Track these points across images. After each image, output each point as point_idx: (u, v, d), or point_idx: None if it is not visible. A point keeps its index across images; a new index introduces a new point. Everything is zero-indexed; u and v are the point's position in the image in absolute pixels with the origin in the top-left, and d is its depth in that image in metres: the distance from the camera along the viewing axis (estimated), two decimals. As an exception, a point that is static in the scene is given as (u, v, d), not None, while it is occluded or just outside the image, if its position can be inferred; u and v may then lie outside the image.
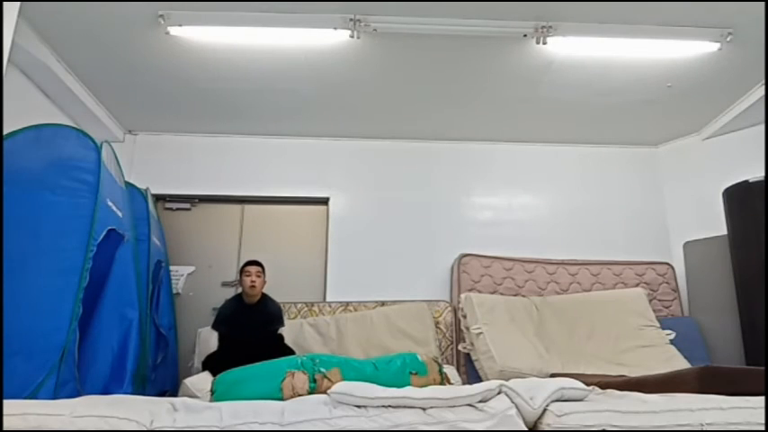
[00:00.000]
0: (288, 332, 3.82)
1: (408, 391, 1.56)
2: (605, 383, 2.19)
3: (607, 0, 3.10)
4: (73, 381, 2.41)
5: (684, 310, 4.51)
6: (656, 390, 1.92)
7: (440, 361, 3.32)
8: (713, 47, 3.47)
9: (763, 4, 3.10)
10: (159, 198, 4.74)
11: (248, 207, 4.96)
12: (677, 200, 4.99)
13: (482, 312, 3.94)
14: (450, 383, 2.36)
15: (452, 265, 4.66)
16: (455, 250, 4.65)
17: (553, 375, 3.38)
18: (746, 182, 3.92)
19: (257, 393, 1.80)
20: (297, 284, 4.68)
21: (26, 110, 3.46)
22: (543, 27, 3.31)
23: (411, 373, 2.13)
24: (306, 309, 4.32)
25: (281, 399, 1.78)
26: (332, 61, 3.73)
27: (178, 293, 4.62)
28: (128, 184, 3.62)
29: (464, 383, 3.60)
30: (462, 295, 4.15)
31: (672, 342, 3.97)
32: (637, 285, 4.51)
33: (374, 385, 1.60)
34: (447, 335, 4.25)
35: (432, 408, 1.51)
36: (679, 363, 3.69)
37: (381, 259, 4.76)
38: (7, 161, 2.48)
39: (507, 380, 1.68)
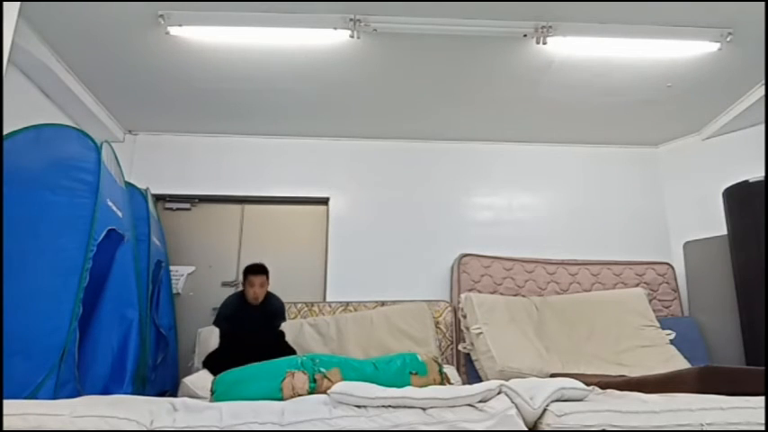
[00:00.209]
0: (288, 332, 3.82)
1: (408, 391, 1.56)
2: (605, 383, 2.19)
3: (607, 0, 3.10)
4: (73, 381, 2.41)
5: (684, 310, 4.51)
6: (656, 390, 1.92)
7: (440, 361, 3.32)
8: (713, 47, 3.47)
9: (762, 4, 3.10)
10: (159, 198, 4.74)
11: (248, 207, 4.96)
12: (677, 200, 4.99)
13: (482, 312, 3.94)
14: (450, 383, 2.35)
15: (452, 265, 4.66)
16: (455, 250, 4.65)
17: (553, 375, 3.38)
18: (746, 182, 3.92)
19: (257, 393, 1.80)
20: (297, 284, 4.68)
21: (26, 110, 3.47)
22: (543, 27, 3.31)
23: (411, 373, 2.12)
24: (306, 309, 4.32)
25: (281, 399, 1.78)
26: (332, 61, 3.73)
27: (178, 293, 4.62)
28: (128, 184, 3.62)
29: (464, 383, 3.60)
30: (462, 295, 4.15)
31: (672, 342, 3.98)
32: (637, 285, 4.51)
33: (374, 385, 1.60)
34: (447, 335, 4.25)
35: (432, 408, 1.51)
36: (679, 363, 3.70)
37: (381, 259, 4.76)
38: (7, 161, 2.48)
39: (507, 380, 1.68)
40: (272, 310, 3.65)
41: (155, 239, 3.94)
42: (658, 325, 4.11)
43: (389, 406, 1.50)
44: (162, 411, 1.48)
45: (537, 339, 3.99)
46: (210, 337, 3.96)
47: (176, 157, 4.92)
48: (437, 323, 4.26)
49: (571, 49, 3.56)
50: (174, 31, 3.32)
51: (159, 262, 4.04)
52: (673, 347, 3.93)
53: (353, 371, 2.01)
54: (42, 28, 3.34)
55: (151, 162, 4.85)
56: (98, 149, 2.86)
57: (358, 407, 1.50)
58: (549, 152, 5.16)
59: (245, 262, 4.81)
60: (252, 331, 3.49)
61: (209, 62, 3.75)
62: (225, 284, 4.72)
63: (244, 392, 1.82)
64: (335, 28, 3.30)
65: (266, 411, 1.46)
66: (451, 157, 5.09)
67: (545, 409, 1.53)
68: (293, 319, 4.20)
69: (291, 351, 3.52)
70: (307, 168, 5.00)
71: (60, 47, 3.55)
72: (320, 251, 4.84)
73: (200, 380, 3.13)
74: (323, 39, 3.44)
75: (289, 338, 3.78)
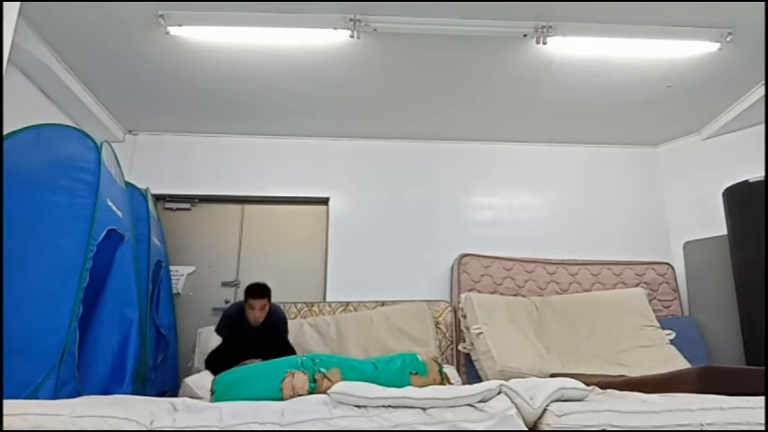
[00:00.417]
0: (288, 332, 3.82)
1: (408, 391, 1.56)
2: (605, 383, 2.19)
3: (607, 0, 3.10)
4: (73, 381, 2.41)
5: (684, 310, 4.51)
6: (656, 390, 1.93)
7: (440, 361, 3.32)
8: (713, 47, 3.47)
9: (762, 4, 3.10)
10: (159, 198, 4.74)
11: (248, 207, 4.96)
12: (677, 200, 4.99)
13: (482, 312, 3.94)
14: (450, 383, 2.35)
15: (452, 265, 4.66)
16: (455, 250, 4.65)
17: (553, 375, 3.38)
18: (746, 182, 3.92)
19: (257, 393, 1.80)
20: (297, 284, 4.68)
21: (26, 110, 3.47)
22: (543, 27, 3.31)
23: (411, 373, 2.13)
24: (306, 309, 4.32)
25: (281, 399, 1.78)
26: (332, 61, 3.73)
27: (178, 293, 4.62)
28: (128, 184, 3.62)
29: (464, 383, 3.60)
30: (462, 295, 4.15)
31: (672, 342, 3.98)
32: (637, 285, 4.51)
33: (374, 385, 1.60)
34: (447, 335, 4.25)
35: (432, 408, 1.51)
36: (679, 363, 3.70)
37: (381, 259, 4.76)
38: (7, 161, 2.48)
39: (507, 380, 1.68)
40: (274, 323, 3.56)
41: (155, 239, 3.94)
42: (658, 325, 4.11)
43: (389, 406, 1.50)
44: (162, 411, 1.48)
45: (537, 339, 3.99)
46: (210, 337, 3.96)
47: (176, 157, 4.92)
48: (437, 323, 4.26)
49: (571, 49, 3.56)
50: (174, 31, 3.32)
51: (159, 262, 4.04)
52: (673, 347, 3.93)
53: (353, 371, 2.02)
54: (42, 28, 3.34)
55: (151, 162, 4.85)
56: (98, 149, 2.86)
57: (358, 407, 1.50)
58: (549, 152, 5.16)
59: (246, 262, 4.84)
60: (255, 340, 3.47)
61: (209, 62, 3.75)
62: (225, 284, 4.72)
63: (244, 392, 1.82)
64: (335, 28, 3.30)
65: (266, 411, 1.46)
66: (451, 157, 5.09)
67: (545, 409, 1.53)
68: (293, 319, 4.19)
69: (292, 352, 3.52)
70: (307, 168, 5.00)
71: (60, 47, 3.55)
72: (320, 251, 4.84)
73: (202, 380, 3.13)
74: (323, 39, 3.44)
75: (289, 338, 3.78)
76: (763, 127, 4.26)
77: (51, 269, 2.46)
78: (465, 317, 4.03)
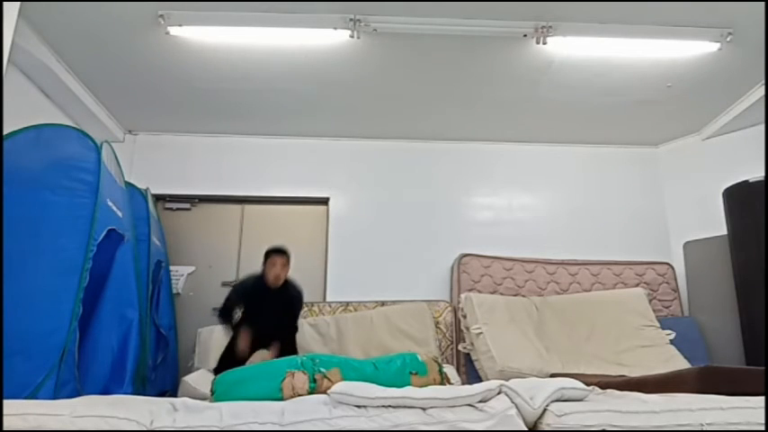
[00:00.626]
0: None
1: (408, 391, 1.56)
2: (605, 383, 2.19)
3: (607, 0, 3.10)
4: (73, 381, 2.41)
5: (684, 310, 4.51)
6: (656, 390, 1.93)
7: (440, 361, 3.32)
8: (713, 47, 3.47)
9: (762, 4, 3.10)
10: (159, 198, 4.74)
11: (248, 207, 4.96)
12: (677, 200, 4.99)
13: (482, 312, 3.94)
14: (450, 383, 2.35)
15: (452, 265, 4.66)
16: (455, 250, 4.65)
17: (553, 375, 3.38)
18: (746, 182, 3.92)
19: (257, 393, 1.80)
20: (297, 284, 4.67)
21: (26, 110, 3.46)
22: (543, 27, 3.31)
23: (411, 373, 2.12)
24: (306, 309, 4.32)
25: (281, 399, 1.78)
26: (332, 61, 3.73)
27: (178, 293, 4.62)
28: (128, 184, 3.62)
29: (464, 383, 3.60)
30: (462, 295, 4.15)
31: (672, 342, 3.97)
32: (637, 285, 4.51)
33: (374, 385, 1.60)
34: (447, 335, 4.25)
35: (432, 408, 1.51)
36: (679, 363, 3.69)
37: (381, 259, 4.76)
38: (7, 161, 2.48)
39: (507, 380, 1.68)
40: (292, 296, 3.55)
41: (155, 239, 3.94)
42: (658, 325, 4.11)
43: (389, 406, 1.50)
44: (162, 411, 1.48)
45: (537, 339, 3.99)
46: (211, 337, 3.96)
47: (176, 157, 4.92)
48: (437, 323, 4.26)
49: (571, 49, 3.56)
50: (174, 31, 3.32)
51: (159, 262, 4.04)
52: (673, 347, 3.93)
53: (353, 371, 2.01)
54: (42, 28, 3.34)
55: (151, 162, 4.85)
56: (98, 149, 2.86)
57: (358, 407, 1.50)
58: (549, 152, 5.16)
59: (245, 262, 4.83)
60: (269, 314, 3.41)
61: (210, 62, 3.75)
62: (225, 284, 4.72)
63: (244, 392, 1.82)
64: (335, 28, 3.30)
65: (266, 411, 1.46)
66: (451, 157, 5.09)
67: (545, 409, 1.53)
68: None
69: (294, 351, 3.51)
70: (307, 168, 5.00)
71: (60, 47, 3.55)
72: (320, 251, 4.84)
73: (201, 378, 3.14)
74: (323, 39, 3.44)
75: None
76: (763, 127, 4.26)
77: (51, 269, 2.46)
78: (465, 317, 4.03)
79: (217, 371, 3.38)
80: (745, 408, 1.52)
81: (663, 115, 4.57)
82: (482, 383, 1.64)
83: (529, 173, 5.12)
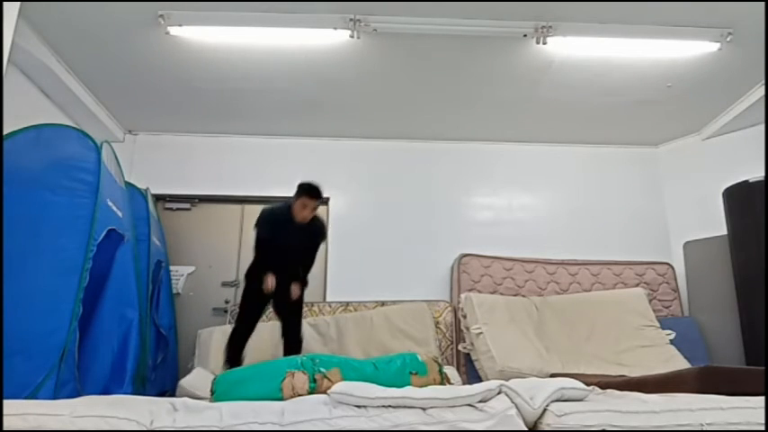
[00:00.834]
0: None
1: (408, 391, 1.56)
2: (605, 383, 2.19)
3: (607, 0, 3.10)
4: (73, 381, 2.41)
5: (684, 310, 4.51)
6: (656, 390, 1.93)
7: (440, 361, 3.32)
8: (713, 47, 3.47)
9: (762, 4, 3.10)
10: (159, 198, 4.73)
11: (248, 207, 4.95)
12: (677, 200, 4.99)
13: (482, 312, 3.94)
14: (450, 383, 2.35)
15: (452, 265, 4.66)
16: (455, 250, 4.65)
17: (553, 375, 3.38)
18: (746, 182, 3.92)
19: (257, 393, 1.80)
20: (297, 284, 4.67)
21: (26, 110, 3.46)
22: (543, 27, 3.31)
23: (411, 373, 2.13)
24: (306, 309, 4.31)
25: (281, 399, 1.78)
26: (332, 61, 3.73)
27: (178, 293, 4.61)
28: (128, 184, 3.62)
29: (464, 383, 3.59)
30: (462, 295, 4.15)
31: (672, 342, 3.98)
32: (637, 285, 4.51)
33: (374, 385, 1.60)
34: (447, 335, 4.25)
35: (432, 408, 1.51)
36: (679, 363, 3.70)
37: (381, 259, 4.76)
38: (7, 161, 2.48)
39: (507, 380, 1.68)
40: (315, 229, 3.62)
41: (155, 239, 3.94)
42: (658, 325, 4.11)
43: (389, 406, 1.50)
44: (162, 411, 1.48)
45: (537, 339, 3.99)
46: (210, 339, 3.95)
47: (176, 157, 4.92)
48: (437, 323, 4.25)
49: (571, 49, 3.56)
50: (174, 31, 3.32)
51: (159, 262, 4.04)
52: (673, 347, 3.93)
53: (353, 371, 2.02)
54: (42, 28, 3.34)
55: (151, 162, 4.85)
56: (98, 149, 2.86)
57: (358, 407, 1.50)
58: (549, 152, 5.16)
59: (246, 262, 4.80)
60: (293, 242, 3.49)
61: (210, 62, 3.75)
62: (225, 284, 4.72)
63: (244, 392, 1.82)
64: (335, 28, 3.30)
65: (266, 411, 1.46)
66: (452, 157, 5.09)
67: (545, 409, 1.53)
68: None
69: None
70: (307, 168, 4.99)
71: (60, 47, 3.55)
72: (320, 251, 4.82)
73: (198, 380, 3.14)
74: (323, 39, 3.44)
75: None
76: (763, 127, 4.26)
77: (51, 269, 2.46)
78: (465, 317, 4.03)
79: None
80: (745, 408, 1.52)
81: (663, 115, 4.57)
82: (482, 383, 1.64)
83: (529, 173, 5.12)
